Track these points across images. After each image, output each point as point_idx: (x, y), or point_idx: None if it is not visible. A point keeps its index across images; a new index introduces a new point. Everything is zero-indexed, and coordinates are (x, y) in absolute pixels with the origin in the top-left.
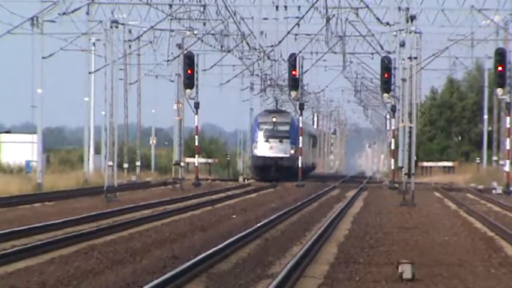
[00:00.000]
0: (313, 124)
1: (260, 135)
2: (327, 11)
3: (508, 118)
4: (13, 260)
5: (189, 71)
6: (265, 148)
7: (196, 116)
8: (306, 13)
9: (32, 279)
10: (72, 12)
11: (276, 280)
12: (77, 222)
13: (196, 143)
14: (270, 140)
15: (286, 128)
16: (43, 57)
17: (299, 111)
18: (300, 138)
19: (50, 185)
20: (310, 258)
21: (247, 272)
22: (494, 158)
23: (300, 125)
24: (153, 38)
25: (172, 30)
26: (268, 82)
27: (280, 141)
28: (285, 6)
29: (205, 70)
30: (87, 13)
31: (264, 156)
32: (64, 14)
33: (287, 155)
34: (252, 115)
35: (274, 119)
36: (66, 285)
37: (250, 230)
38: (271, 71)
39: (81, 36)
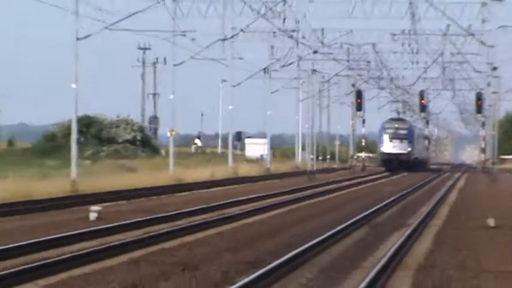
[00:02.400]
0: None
1: (386, 137)
2: (443, 66)
3: None
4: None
5: (358, 100)
6: (389, 146)
7: (363, 128)
8: (430, 65)
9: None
10: (288, 65)
11: (412, 227)
12: (290, 191)
13: (363, 143)
14: (393, 140)
15: (405, 131)
16: (271, 92)
17: (426, 125)
18: (426, 141)
19: (275, 169)
20: (433, 215)
21: (393, 222)
22: None
23: (426, 133)
24: (337, 80)
25: (348, 75)
26: (407, 107)
27: (401, 141)
28: (417, 62)
29: (369, 100)
30: (298, 65)
31: (389, 153)
32: (283, 66)
33: (405, 152)
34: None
35: (396, 125)
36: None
37: (393, 198)
38: (409, 100)
39: (294, 79)
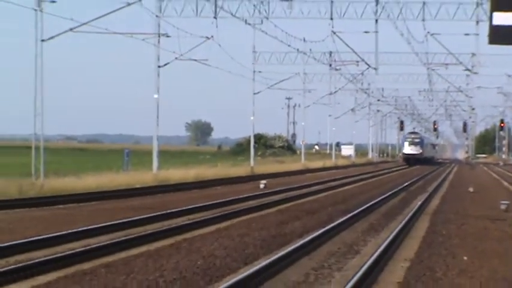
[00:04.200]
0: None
1: (406, 143)
2: (446, 108)
3: None
4: None
5: (401, 126)
6: (408, 149)
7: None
8: (438, 107)
9: None
10: (364, 107)
11: (429, 192)
12: (363, 173)
13: None
14: (410, 145)
15: (418, 140)
16: (355, 122)
17: (437, 138)
18: (433, 146)
19: (357, 161)
20: (441, 185)
21: (419, 190)
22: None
23: (434, 141)
24: (390, 115)
25: (396, 113)
26: (427, 129)
27: (415, 146)
28: (432, 105)
29: (407, 125)
30: (369, 108)
31: (408, 153)
32: (362, 107)
33: (418, 152)
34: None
35: (413, 136)
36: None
37: (418, 177)
38: (428, 126)
39: (366, 114)
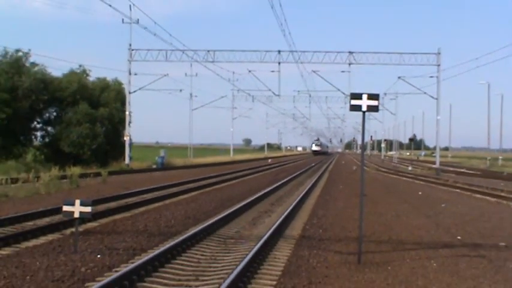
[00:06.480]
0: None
1: (313, 145)
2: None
3: None
4: None
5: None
6: (314, 147)
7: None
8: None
9: None
10: None
11: (324, 167)
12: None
13: None
14: (315, 146)
15: (319, 143)
16: None
17: (330, 142)
18: (328, 146)
19: None
20: (330, 164)
21: (323, 163)
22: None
23: (328, 144)
24: None
25: None
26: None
27: (317, 146)
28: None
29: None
30: None
31: (314, 150)
32: None
33: (319, 149)
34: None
35: (316, 141)
36: None
37: (315, 163)
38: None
39: None
